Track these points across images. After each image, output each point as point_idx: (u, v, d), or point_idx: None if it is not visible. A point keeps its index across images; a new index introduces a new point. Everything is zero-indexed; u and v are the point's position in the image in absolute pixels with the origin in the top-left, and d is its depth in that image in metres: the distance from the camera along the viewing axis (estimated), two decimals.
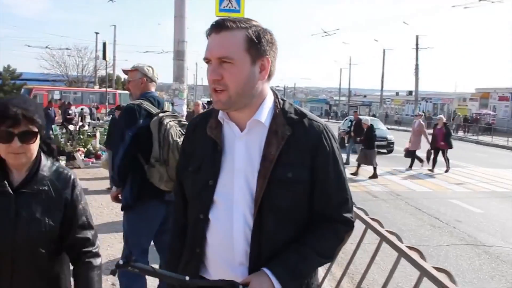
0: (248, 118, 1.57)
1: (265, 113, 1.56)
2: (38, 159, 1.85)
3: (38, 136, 1.80)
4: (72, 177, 1.94)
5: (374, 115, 46.25)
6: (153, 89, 3.80)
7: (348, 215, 1.61)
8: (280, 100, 1.62)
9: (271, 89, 1.64)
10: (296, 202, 1.55)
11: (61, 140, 12.61)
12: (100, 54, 32.46)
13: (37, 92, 31.40)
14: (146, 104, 3.56)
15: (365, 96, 75.97)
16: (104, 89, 34.92)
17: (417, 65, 41.23)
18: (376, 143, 14.98)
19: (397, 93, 68.28)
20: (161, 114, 3.47)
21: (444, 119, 14.76)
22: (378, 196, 10.18)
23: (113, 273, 1.44)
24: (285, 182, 1.51)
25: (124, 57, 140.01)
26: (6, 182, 1.78)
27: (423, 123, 15.21)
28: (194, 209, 1.64)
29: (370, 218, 2.30)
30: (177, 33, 12.32)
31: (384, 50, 52.12)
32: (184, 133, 3.07)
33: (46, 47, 46.49)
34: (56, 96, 32.55)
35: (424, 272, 1.99)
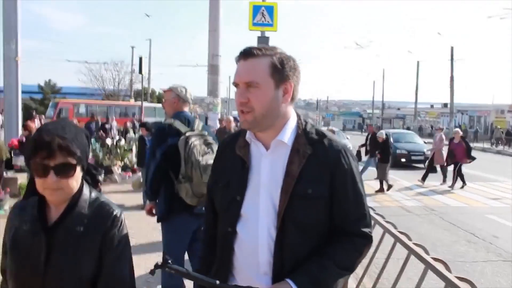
0: (272, 138, 1.69)
1: (288, 134, 1.68)
2: (79, 193, 1.62)
3: (78, 168, 1.58)
4: (114, 213, 1.65)
5: (408, 128, 45.56)
6: (185, 108, 4.02)
7: (366, 229, 1.69)
8: (302, 121, 1.73)
9: (295, 111, 1.75)
10: (316, 217, 1.65)
11: (99, 153, 12.94)
12: (136, 68, 33.33)
13: (63, 106, 31.20)
14: (177, 124, 3.80)
15: (398, 109, 74.93)
16: (134, 102, 35.75)
17: (452, 76, 40.44)
18: (413, 157, 14.74)
19: (431, 106, 67.11)
20: (188, 134, 3.71)
21: (461, 133, 14.29)
22: (411, 211, 10.07)
23: (152, 272, 1.57)
24: (306, 197, 1.62)
25: (159, 71, 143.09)
26: (39, 222, 1.58)
27: (444, 137, 14.97)
28: (223, 223, 1.76)
29: (398, 231, 2.34)
30: (211, 48, 12.60)
31: (418, 62, 51.50)
32: (208, 151, 3.61)
33: (85, 62, 48.03)
34: (82, 109, 32.62)
35: (448, 283, 2.03)
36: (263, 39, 12.37)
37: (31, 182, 1.64)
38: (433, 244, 7.09)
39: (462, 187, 13.32)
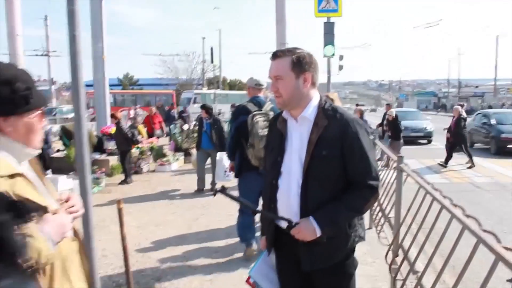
0: (299, 114, 2.29)
1: (310, 111, 2.28)
2: None
3: None
4: None
5: (490, 106, 42.87)
6: (259, 93, 5.27)
7: (372, 182, 2.23)
8: (323, 101, 2.31)
9: (319, 93, 2.35)
10: (330, 172, 2.21)
11: (179, 138, 13.94)
12: (207, 57, 34.45)
13: (90, 97, 32.08)
14: (249, 105, 5.09)
15: (476, 87, 71.29)
16: (208, 89, 36.78)
17: None
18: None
19: None
20: (254, 112, 4.93)
21: (460, 110, 13.35)
22: (481, 186, 10.10)
23: (214, 194, 2.36)
24: (322, 158, 2.19)
25: (230, 59, 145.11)
26: None
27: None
28: (269, 177, 2.41)
29: (466, 215, 2.36)
30: (279, 36, 13.12)
31: (497, 37, 48.83)
32: (267, 125, 4.56)
33: (159, 54, 50.20)
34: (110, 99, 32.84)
35: (497, 256, 1.92)
36: (328, 25, 12.71)
37: None
38: (501, 218, 7.20)
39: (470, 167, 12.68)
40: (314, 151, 2.20)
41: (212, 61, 30.09)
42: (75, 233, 1.80)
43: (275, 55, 2.28)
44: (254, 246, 5.29)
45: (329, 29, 12.92)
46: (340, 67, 18.51)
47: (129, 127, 11.86)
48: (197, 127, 10.36)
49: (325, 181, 2.22)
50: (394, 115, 12.97)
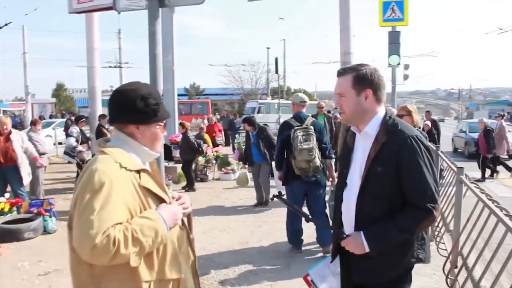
0: (363, 129, 2.33)
1: (372, 126, 2.30)
2: None
3: None
4: None
5: None
6: (302, 109, 5.86)
7: (426, 204, 2.15)
8: (387, 117, 2.31)
9: (386, 109, 2.36)
10: (385, 189, 2.20)
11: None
12: (272, 67, 34.73)
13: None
14: (291, 121, 5.79)
15: None
16: (271, 99, 37.03)
17: None
18: None
19: None
20: (296, 128, 5.60)
21: (485, 121, 12.75)
22: None
23: (271, 199, 2.67)
24: (377, 174, 2.20)
25: (294, 69, 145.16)
26: None
27: (504, 125, 13.25)
28: (337, 188, 2.52)
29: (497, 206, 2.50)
30: (343, 45, 13.08)
31: None
32: (306, 139, 5.54)
33: (225, 64, 51.35)
34: None
35: None
36: (394, 34, 12.52)
37: None
38: None
39: (482, 179, 12.01)
40: (371, 167, 2.22)
41: (276, 71, 30.27)
42: (184, 225, 2.12)
43: (340, 73, 2.34)
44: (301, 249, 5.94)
45: (394, 38, 12.73)
46: (405, 77, 18.14)
47: (195, 136, 12.26)
48: (244, 143, 10.34)
49: (380, 198, 2.22)
50: (430, 125, 12.43)
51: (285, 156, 5.81)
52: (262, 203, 8.88)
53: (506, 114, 17.95)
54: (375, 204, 2.23)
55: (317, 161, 5.51)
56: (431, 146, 6.07)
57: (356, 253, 2.25)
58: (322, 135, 5.75)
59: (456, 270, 3.86)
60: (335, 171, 5.89)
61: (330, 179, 6.04)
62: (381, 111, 2.33)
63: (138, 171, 1.88)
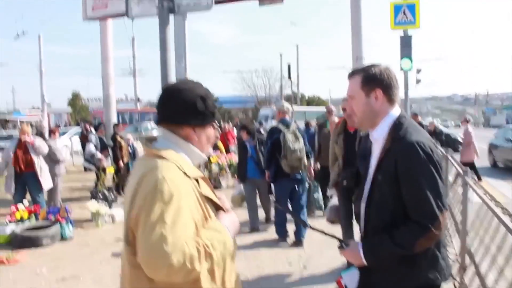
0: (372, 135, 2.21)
1: (379, 131, 2.15)
2: None
3: None
4: None
5: None
6: (286, 116, 6.64)
7: (424, 220, 1.94)
8: (397, 121, 2.11)
9: (401, 111, 2.17)
10: (386, 198, 2.04)
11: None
12: (285, 73, 34.84)
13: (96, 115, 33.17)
14: (279, 126, 6.52)
15: None
16: None
17: None
18: None
19: None
20: (285, 131, 6.35)
21: (434, 122, 12.52)
22: None
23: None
24: (378, 182, 2.07)
25: (307, 75, 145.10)
26: None
27: (470, 131, 12.88)
28: (356, 197, 2.33)
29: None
30: (355, 50, 13.13)
31: None
32: (296, 141, 6.35)
33: (238, 71, 51.54)
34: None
35: None
36: (405, 38, 12.43)
37: None
38: None
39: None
40: (374, 175, 2.11)
41: (289, 77, 30.43)
42: None
43: (349, 75, 2.23)
44: (289, 240, 6.59)
45: (406, 42, 12.64)
46: (418, 81, 18.01)
47: None
48: (238, 154, 8.51)
49: (382, 207, 2.07)
50: (433, 128, 12.21)
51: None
52: (258, 228, 7.47)
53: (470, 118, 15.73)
54: (378, 215, 2.10)
55: (305, 159, 6.46)
56: (439, 151, 6.07)
57: (355, 265, 2.14)
58: (304, 138, 6.60)
59: (463, 273, 3.84)
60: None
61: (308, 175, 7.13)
62: (394, 112, 2.16)
63: (197, 179, 1.77)
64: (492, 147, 16.00)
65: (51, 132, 10.06)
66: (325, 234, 2.28)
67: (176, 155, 1.74)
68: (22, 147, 7.82)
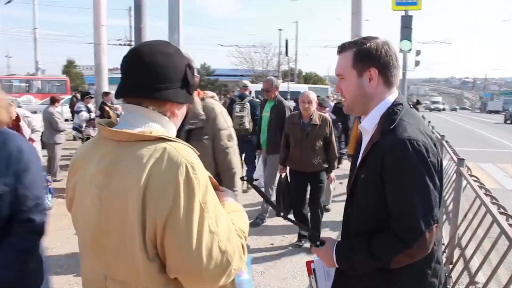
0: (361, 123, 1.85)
1: (369, 120, 1.78)
2: None
3: None
4: None
5: None
6: (245, 91, 8.17)
7: (405, 234, 1.60)
8: (390, 110, 1.74)
9: (399, 95, 1.80)
10: (368, 199, 1.70)
11: None
12: (283, 50, 34.50)
13: None
14: (236, 98, 8.07)
15: None
16: (282, 82, 36.75)
17: None
18: None
19: None
20: (236, 102, 7.88)
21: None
22: None
23: (241, 179, 2.35)
24: (361, 181, 1.73)
25: (306, 52, 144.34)
26: None
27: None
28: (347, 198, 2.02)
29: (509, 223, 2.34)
30: (354, 29, 12.85)
31: None
32: (241, 110, 7.70)
33: (236, 45, 51.03)
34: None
35: None
36: (406, 19, 12.23)
37: None
38: None
39: None
40: (357, 172, 1.77)
41: (286, 54, 30.06)
42: None
43: (340, 48, 1.81)
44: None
45: (406, 23, 12.43)
46: (417, 63, 17.83)
47: None
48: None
49: (363, 208, 1.74)
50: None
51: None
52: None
53: None
54: (359, 218, 1.77)
55: (246, 125, 7.59)
56: (435, 135, 5.93)
57: (328, 266, 1.89)
58: (255, 109, 7.72)
59: (450, 266, 3.72)
60: None
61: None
62: (391, 97, 1.78)
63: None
64: None
65: (54, 100, 9.81)
66: (302, 227, 2.07)
67: (179, 140, 1.38)
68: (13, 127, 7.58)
